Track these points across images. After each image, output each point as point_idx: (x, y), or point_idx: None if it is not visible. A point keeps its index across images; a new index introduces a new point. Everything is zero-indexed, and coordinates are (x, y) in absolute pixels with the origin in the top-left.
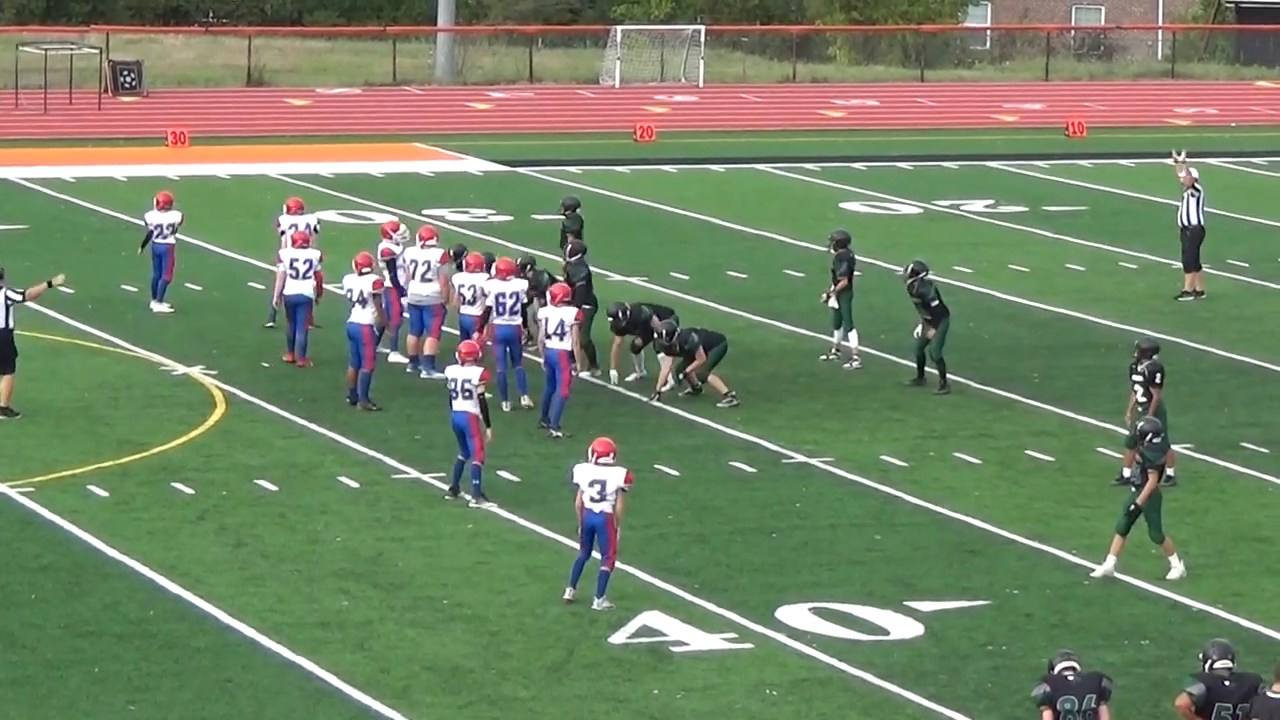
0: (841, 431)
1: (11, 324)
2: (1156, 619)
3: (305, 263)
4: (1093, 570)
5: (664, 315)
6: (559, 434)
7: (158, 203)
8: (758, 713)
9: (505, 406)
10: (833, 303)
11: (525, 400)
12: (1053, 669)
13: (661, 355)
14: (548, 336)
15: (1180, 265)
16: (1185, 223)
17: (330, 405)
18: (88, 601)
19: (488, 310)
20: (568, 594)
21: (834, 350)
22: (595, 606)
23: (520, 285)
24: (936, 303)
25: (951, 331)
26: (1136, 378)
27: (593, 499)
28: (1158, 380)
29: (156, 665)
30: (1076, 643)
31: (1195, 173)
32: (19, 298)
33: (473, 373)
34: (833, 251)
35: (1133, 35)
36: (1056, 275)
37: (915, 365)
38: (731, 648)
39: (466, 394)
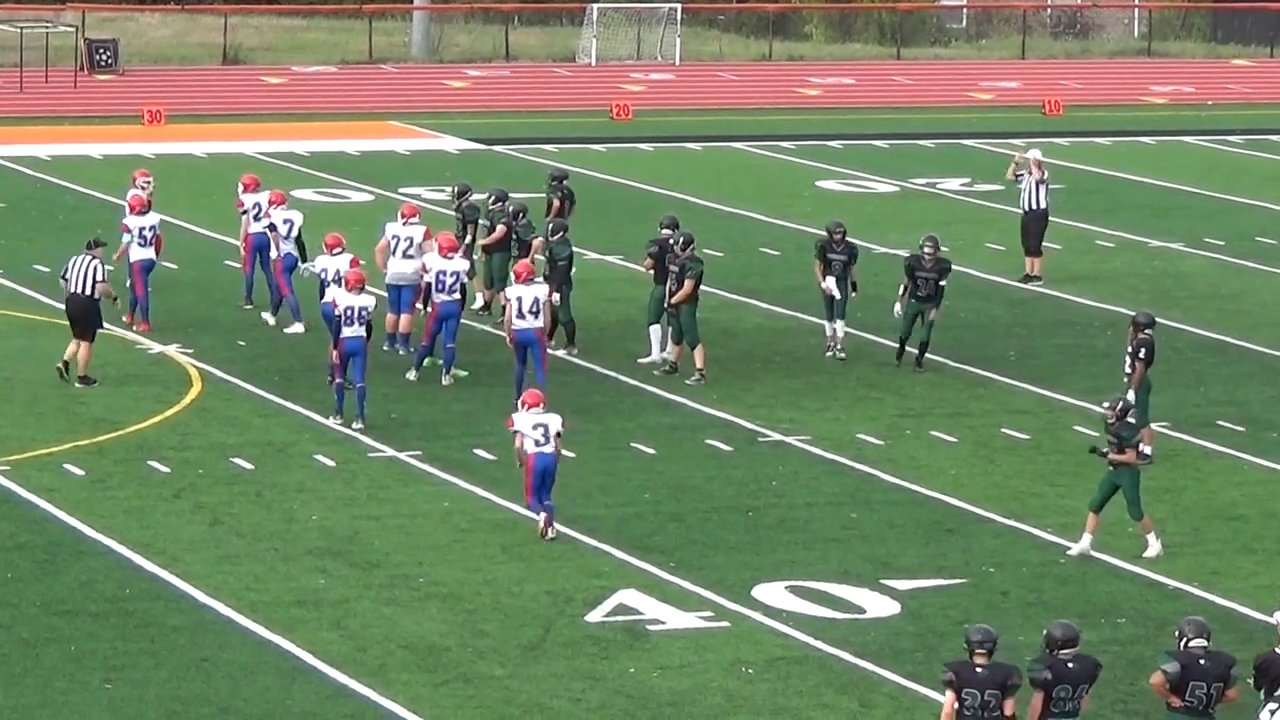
0: (818, 410)
1: (91, 292)
2: (1133, 597)
3: (150, 229)
4: (1069, 548)
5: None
6: None
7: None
8: (734, 691)
9: (445, 380)
10: (836, 292)
11: (447, 379)
12: (1054, 649)
13: (653, 329)
14: (520, 315)
15: (1023, 249)
16: (1034, 206)
17: (306, 384)
18: (63, 580)
19: (429, 286)
20: (543, 526)
21: (838, 346)
22: (550, 536)
23: (463, 265)
24: (945, 283)
25: None
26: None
27: (538, 441)
28: (1142, 355)
29: (132, 644)
30: (1052, 621)
31: (1038, 155)
32: (102, 279)
33: (367, 300)
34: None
35: (1109, 13)
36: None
37: (897, 345)
38: (708, 626)
39: (362, 320)
